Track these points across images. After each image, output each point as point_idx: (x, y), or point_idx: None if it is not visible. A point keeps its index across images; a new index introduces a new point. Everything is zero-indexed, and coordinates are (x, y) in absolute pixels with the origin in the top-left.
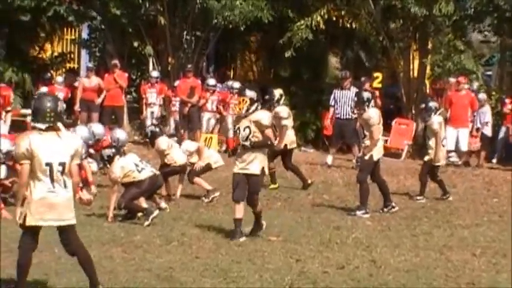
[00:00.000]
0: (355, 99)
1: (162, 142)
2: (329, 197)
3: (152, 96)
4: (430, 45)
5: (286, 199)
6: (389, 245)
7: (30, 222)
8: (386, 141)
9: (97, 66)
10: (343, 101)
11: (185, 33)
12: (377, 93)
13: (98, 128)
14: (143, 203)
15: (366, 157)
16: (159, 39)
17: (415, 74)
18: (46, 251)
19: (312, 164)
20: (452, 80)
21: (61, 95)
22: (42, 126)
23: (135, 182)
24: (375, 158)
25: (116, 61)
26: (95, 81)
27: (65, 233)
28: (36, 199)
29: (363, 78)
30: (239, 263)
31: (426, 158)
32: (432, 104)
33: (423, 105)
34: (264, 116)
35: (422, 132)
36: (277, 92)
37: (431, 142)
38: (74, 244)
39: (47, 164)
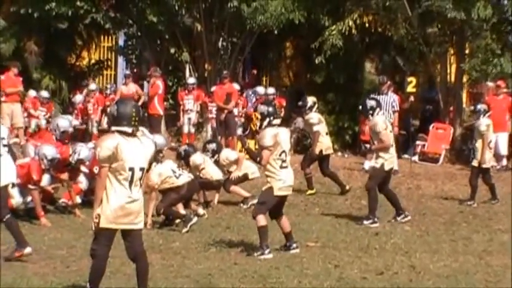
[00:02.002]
0: (360, 107)
1: (197, 157)
2: (367, 202)
3: (189, 102)
4: (467, 50)
5: (324, 205)
6: (428, 250)
7: (103, 224)
8: (424, 145)
9: (134, 73)
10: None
11: (221, 39)
12: (412, 97)
13: (159, 139)
14: (181, 209)
15: (377, 165)
16: (195, 45)
17: (453, 79)
18: (86, 258)
19: (350, 169)
20: (490, 84)
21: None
22: (129, 129)
23: (173, 187)
24: (386, 168)
25: (152, 68)
26: (132, 88)
27: (131, 237)
28: (113, 205)
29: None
30: (277, 269)
31: (474, 163)
32: (481, 106)
33: (472, 108)
34: (263, 135)
35: (460, 136)
36: (311, 100)
37: (478, 144)
38: (137, 249)
39: (130, 169)
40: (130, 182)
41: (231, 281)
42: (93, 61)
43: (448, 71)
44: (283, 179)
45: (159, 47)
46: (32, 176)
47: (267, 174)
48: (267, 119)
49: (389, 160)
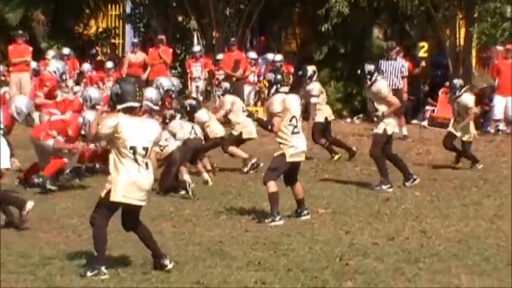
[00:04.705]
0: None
1: (203, 114)
2: (376, 167)
3: (197, 70)
4: (476, 14)
5: (333, 171)
6: (439, 215)
7: (113, 198)
8: (433, 111)
9: (142, 41)
10: (389, 71)
11: (228, 6)
12: (423, 62)
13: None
14: (185, 174)
15: (379, 131)
16: (203, 13)
17: (462, 43)
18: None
19: (359, 135)
20: (499, 48)
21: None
22: (135, 104)
23: (164, 158)
24: (389, 132)
25: (162, 36)
26: (140, 56)
27: (134, 213)
28: (124, 178)
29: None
30: (289, 236)
31: (466, 138)
32: (457, 82)
33: (447, 84)
34: (271, 102)
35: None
36: (310, 69)
37: (465, 119)
38: (134, 223)
39: (131, 148)
40: (136, 160)
41: (242, 248)
42: (100, 30)
43: (457, 35)
44: (295, 145)
45: (166, 15)
46: (67, 132)
47: (278, 141)
48: (274, 86)
49: (391, 124)
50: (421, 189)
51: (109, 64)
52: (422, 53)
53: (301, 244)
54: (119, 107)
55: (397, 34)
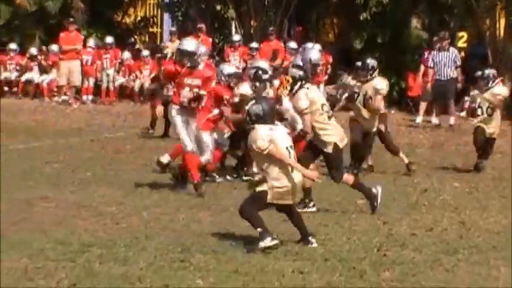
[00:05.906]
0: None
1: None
2: (414, 158)
3: (235, 59)
4: None
5: None
6: (478, 206)
7: (269, 200)
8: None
9: (180, 30)
10: (442, 62)
11: None
12: (462, 53)
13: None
14: None
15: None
16: (241, 2)
17: (501, 33)
18: (135, 215)
19: (397, 125)
20: None
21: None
22: (272, 126)
23: None
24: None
25: (202, 25)
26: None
27: (286, 206)
28: (279, 184)
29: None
30: (326, 226)
31: (491, 130)
32: (489, 72)
33: (479, 73)
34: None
35: (509, 92)
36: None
37: (496, 114)
38: (289, 210)
39: (287, 148)
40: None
41: (280, 238)
42: (139, 18)
43: (497, 25)
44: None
45: (204, 3)
46: (222, 96)
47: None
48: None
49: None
50: (460, 181)
51: (145, 52)
52: (461, 44)
53: (338, 234)
54: (257, 126)
55: (436, 24)
